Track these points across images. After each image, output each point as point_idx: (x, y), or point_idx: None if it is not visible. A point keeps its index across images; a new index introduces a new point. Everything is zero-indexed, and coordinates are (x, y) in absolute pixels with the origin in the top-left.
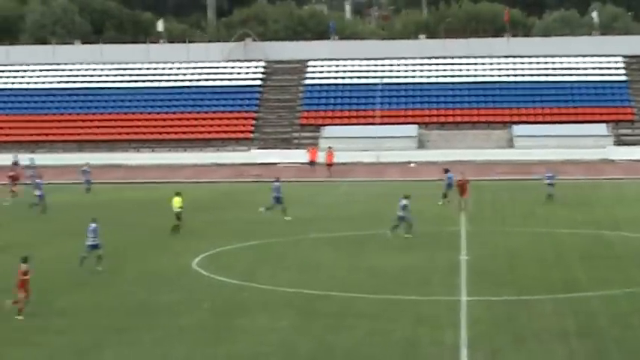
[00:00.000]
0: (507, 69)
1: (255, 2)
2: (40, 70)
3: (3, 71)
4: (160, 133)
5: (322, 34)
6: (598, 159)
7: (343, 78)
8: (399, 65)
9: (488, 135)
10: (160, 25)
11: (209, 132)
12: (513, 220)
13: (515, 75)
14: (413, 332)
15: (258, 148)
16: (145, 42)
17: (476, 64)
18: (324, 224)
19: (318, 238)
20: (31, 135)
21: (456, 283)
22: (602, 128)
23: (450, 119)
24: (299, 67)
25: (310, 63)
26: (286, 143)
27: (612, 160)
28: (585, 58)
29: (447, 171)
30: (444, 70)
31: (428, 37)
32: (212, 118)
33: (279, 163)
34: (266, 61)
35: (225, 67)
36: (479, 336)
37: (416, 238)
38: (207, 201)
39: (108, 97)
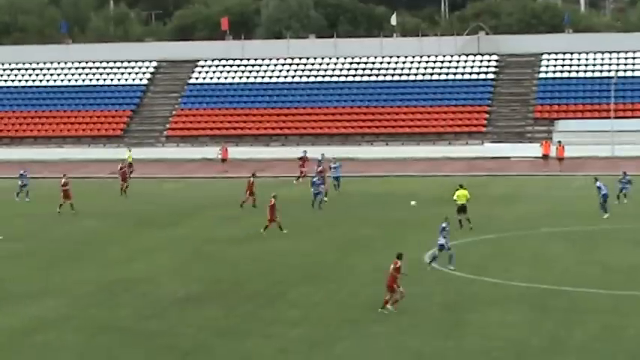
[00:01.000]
0: None
1: None
2: (275, 65)
3: (239, 65)
4: (393, 127)
5: (556, 27)
6: None
7: (577, 72)
8: (634, 58)
9: None
10: (394, 19)
11: (442, 126)
12: None
13: None
14: None
15: (491, 142)
16: (378, 36)
17: None
18: (556, 219)
19: (551, 233)
20: (267, 129)
21: None
22: None
23: None
24: (533, 60)
25: (544, 56)
26: (519, 137)
27: None
28: None
29: None
30: None
31: None
32: (445, 112)
33: (511, 157)
34: (499, 55)
35: (458, 61)
36: None
37: None
38: (438, 194)
39: (341, 90)
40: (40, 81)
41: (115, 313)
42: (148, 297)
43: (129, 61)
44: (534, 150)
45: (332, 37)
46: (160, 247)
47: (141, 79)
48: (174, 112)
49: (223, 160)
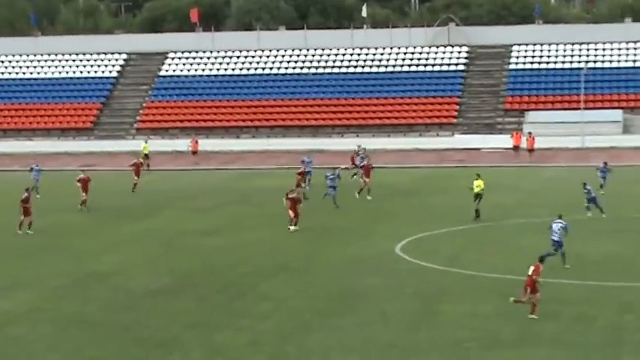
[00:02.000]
0: None
1: None
2: (245, 57)
3: (209, 57)
4: (364, 119)
5: (527, 18)
6: None
7: (547, 63)
8: (604, 49)
9: None
10: (364, 11)
11: (412, 117)
12: None
13: None
14: (618, 319)
15: (462, 133)
16: (348, 27)
17: None
18: (527, 209)
19: (522, 224)
20: (237, 121)
21: None
22: None
23: None
24: (503, 51)
25: (514, 47)
26: (490, 128)
27: None
28: None
29: None
30: None
31: (634, 21)
32: (415, 104)
33: (482, 148)
34: (469, 46)
35: (428, 52)
36: None
37: (620, 223)
38: (410, 186)
39: (311, 82)
40: (10, 73)
41: (86, 305)
42: (119, 290)
43: (98, 54)
44: (505, 141)
45: (302, 28)
46: (131, 240)
47: (111, 72)
48: (144, 105)
49: (194, 152)
